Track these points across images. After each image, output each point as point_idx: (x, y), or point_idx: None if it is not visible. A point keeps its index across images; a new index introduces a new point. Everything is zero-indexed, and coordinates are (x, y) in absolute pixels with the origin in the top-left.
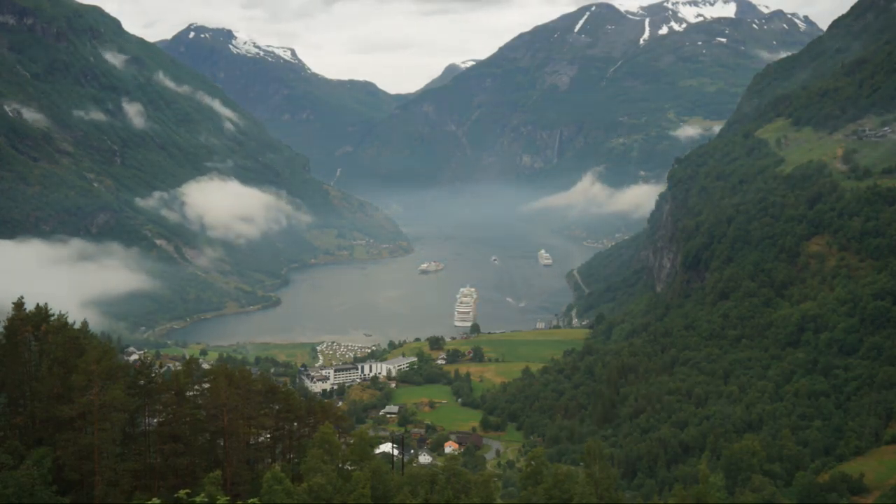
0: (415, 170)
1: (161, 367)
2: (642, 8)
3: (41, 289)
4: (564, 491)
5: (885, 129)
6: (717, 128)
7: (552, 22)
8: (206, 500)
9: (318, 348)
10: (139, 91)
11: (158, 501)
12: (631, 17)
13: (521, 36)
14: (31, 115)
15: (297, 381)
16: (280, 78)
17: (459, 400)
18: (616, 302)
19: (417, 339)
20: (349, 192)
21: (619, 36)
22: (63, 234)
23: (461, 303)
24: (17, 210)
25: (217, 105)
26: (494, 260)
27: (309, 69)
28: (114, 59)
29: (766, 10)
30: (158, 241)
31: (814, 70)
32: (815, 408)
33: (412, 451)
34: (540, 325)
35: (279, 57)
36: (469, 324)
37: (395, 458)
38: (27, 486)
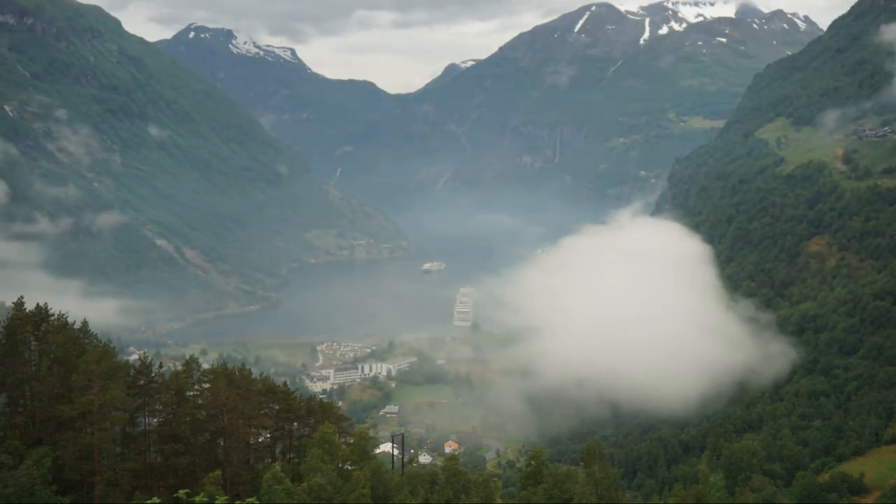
0: (414, 169)
1: (161, 367)
2: (642, 8)
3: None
4: (564, 491)
5: (885, 129)
6: (717, 128)
7: (552, 22)
8: (206, 499)
9: (318, 348)
10: (139, 91)
11: (158, 501)
12: (631, 17)
13: (521, 36)
14: (30, 115)
15: (297, 381)
16: (280, 78)
17: (459, 400)
18: None
19: (417, 339)
20: (349, 192)
21: (619, 36)
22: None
23: (461, 303)
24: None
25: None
26: None
27: (309, 69)
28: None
29: (766, 11)
30: (158, 242)
31: (814, 70)
32: (815, 408)
33: (412, 451)
34: None
35: (279, 57)
36: (468, 324)
37: (395, 458)
38: (27, 486)
